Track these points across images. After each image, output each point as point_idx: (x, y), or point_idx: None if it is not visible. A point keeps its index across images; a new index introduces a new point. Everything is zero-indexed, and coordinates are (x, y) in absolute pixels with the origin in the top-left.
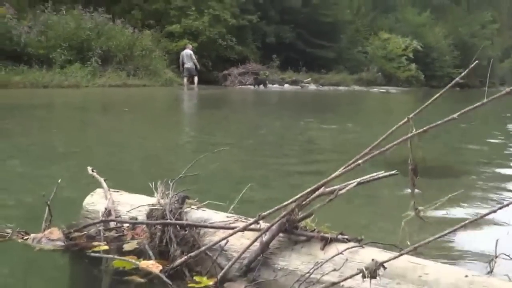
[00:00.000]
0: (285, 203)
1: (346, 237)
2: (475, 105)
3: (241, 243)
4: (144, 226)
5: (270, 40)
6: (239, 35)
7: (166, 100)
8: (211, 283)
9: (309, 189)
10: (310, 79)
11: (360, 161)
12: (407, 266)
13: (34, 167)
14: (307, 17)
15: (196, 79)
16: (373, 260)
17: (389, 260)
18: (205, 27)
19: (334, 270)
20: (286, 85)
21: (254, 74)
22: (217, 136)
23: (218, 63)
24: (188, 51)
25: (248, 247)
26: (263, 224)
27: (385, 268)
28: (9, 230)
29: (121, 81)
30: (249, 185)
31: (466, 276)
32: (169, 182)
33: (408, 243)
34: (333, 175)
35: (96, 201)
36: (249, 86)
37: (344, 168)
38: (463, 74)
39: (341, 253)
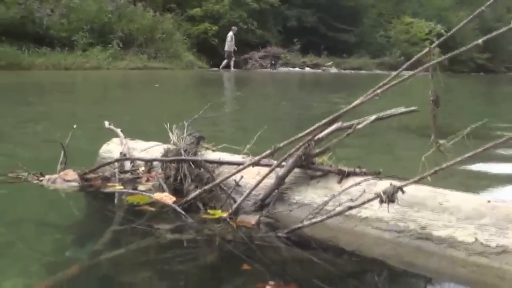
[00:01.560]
0: (301, 134)
1: (364, 170)
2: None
3: (256, 180)
4: (159, 169)
5: (291, 24)
6: (260, 19)
7: (191, 79)
8: (225, 215)
9: (324, 120)
10: (331, 63)
11: (378, 91)
12: (427, 194)
13: (53, 128)
14: (329, 1)
15: (224, 62)
16: (391, 184)
17: (408, 184)
18: (226, 10)
19: (351, 200)
20: (307, 69)
21: (275, 57)
22: (248, 104)
23: (239, 47)
24: (229, 33)
25: (263, 179)
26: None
27: (403, 192)
28: (24, 173)
29: (142, 63)
30: (265, 127)
31: (489, 201)
32: (184, 122)
33: (429, 179)
34: (350, 106)
35: (112, 149)
36: (269, 69)
37: (362, 98)
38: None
39: (358, 183)
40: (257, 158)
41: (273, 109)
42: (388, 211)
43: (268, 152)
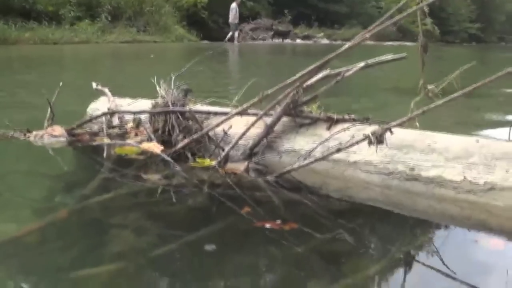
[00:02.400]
0: (289, 80)
1: (353, 116)
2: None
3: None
4: (147, 124)
5: None
6: None
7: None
8: (213, 163)
9: (312, 66)
10: (322, 34)
11: (367, 35)
12: (416, 137)
13: (41, 94)
14: None
15: (229, 34)
16: (379, 125)
17: (396, 124)
18: None
19: (340, 144)
20: (298, 40)
21: (267, 29)
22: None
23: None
24: (232, 4)
25: (250, 127)
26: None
27: (392, 132)
28: (11, 131)
29: (131, 37)
30: (254, 79)
31: (477, 141)
32: (171, 74)
33: (417, 124)
34: (338, 50)
35: (100, 107)
36: (260, 41)
37: (351, 43)
38: None
39: (347, 129)
40: (244, 105)
41: (265, 72)
42: (376, 153)
43: (256, 99)
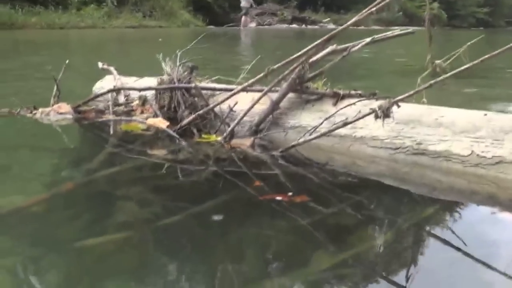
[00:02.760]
0: (294, 56)
1: (359, 92)
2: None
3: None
4: (153, 103)
5: None
6: None
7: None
8: (219, 138)
9: (318, 41)
10: (329, 19)
11: (373, 9)
12: (423, 112)
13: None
14: None
15: (242, 19)
16: (386, 98)
17: (403, 97)
18: None
19: (346, 118)
20: (303, 26)
21: (273, 14)
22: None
23: (235, 4)
24: None
25: (256, 102)
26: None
27: (398, 106)
28: (17, 108)
29: (137, 22)
30: (259, 56)
31: (485, 114)
32: (177, 52)
33: (425, 100)
34: (344, 25)
35: (106, 85)
36: (266, 26)
37: (356, 17)
38: None
39: (353, 104)
40: (250, 81)
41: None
42: (383, 127)
43: (261, 74)
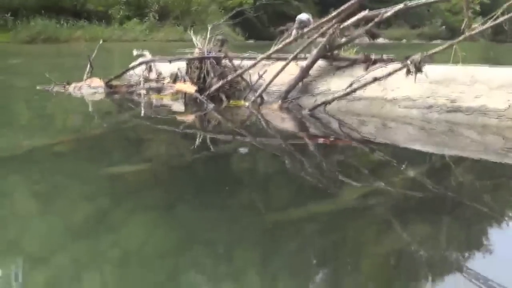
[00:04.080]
0: (325, 18)
1: (391, 57)
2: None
3: (281, 77)
4: (182, 79)
5: None
6: None
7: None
8: (247, 104)
9: (349, 3)
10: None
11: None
12: (457, 71)
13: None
14: None
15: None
16: (420, 53)
17: (436, 51)
18: None
19: (376, 79)
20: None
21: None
22: None
23: (274, 19)
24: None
25: (286, 64)
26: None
27: (431, 60)
28: (51, 85)
29: (178, 36)
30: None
31: None
32: (208, 26)
33: (459, 53)
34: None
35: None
36: None
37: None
38: None
39: (385, 66)
40: (278, 46)
41: None
42: (415, 82)
43: (290, 39)
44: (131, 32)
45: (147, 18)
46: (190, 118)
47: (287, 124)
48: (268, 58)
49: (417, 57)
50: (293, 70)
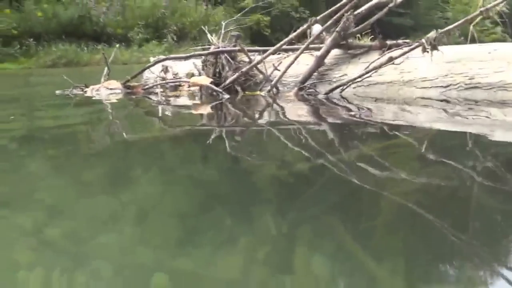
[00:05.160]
0: (337, 5)
1: (407, 41)
2: None
3: (297, 68)
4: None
5: None
6: (312, 7)
7: None
8: (263, 93)
9: None
10: None
11: None
12: (474, 49)
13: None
14: None
15: None
16: (435, 31)
17: (452, 27)
18: (277, 0)
19: (392, 59)
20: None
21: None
22: None
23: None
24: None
25: (301, 51)
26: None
27: (448, 37)
28: (70, 88)
29: None
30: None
31: None
32: (222, 22)
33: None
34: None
35: (154, 69)
36: None
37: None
38: None
39: (400, 48)
40: (292, 35)
41: None
42: (431, 60)
43: (304, 26)
44: (150, 54)
45: (165, 40)
46: (206, 108)
47: (303, 110)
48: (284, 50)
49: (432, 34)
50: (308, 61)
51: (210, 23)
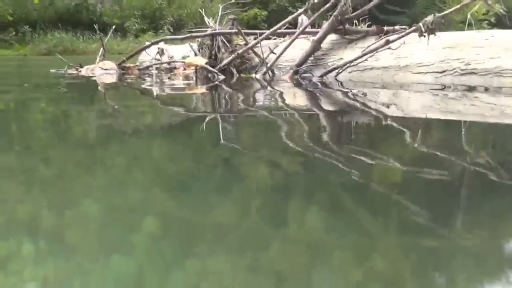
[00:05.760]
0: None
1: (404, 26)
2: None
3: (293, 52)
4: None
5: None
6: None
7: None
8: (258, 76)
9: None
10: None
11: None
12: (471, 35)
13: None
14: None
15: None
16: (433, 15)
17: (449, 12)
18: None
19: (390, 49)
20: None
21: None
22: None
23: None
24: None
25: (297, 35)
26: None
27: (444, 21)
28: (65, 68)
29: None
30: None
31: None
32: (219, 6)
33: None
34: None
35: (151, 52)
36: None
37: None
38: None
39: (396, 33)
40: (289, 18)
41: None
42: (428, 44)
43: (301, 10)
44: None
45: (161, 30)
46: (201, 89)
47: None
48: (281, 34)
49: (429, 18)
50: (305, 45)
51: (207, 14)
